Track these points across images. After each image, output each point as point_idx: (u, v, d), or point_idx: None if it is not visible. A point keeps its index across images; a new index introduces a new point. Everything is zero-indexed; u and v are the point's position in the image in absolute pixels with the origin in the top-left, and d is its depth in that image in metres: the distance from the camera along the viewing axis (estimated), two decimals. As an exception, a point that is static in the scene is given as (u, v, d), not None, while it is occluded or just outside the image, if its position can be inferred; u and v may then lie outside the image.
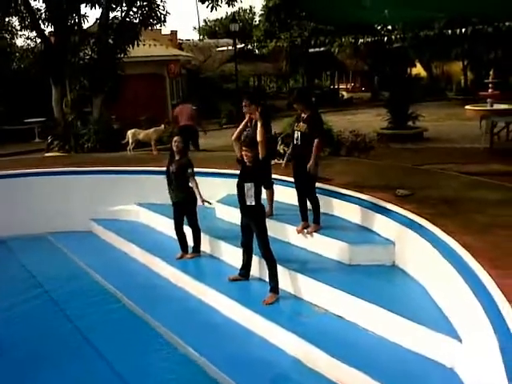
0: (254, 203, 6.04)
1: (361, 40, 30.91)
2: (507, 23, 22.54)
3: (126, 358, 5.45)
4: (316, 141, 6.64)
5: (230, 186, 6.55)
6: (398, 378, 4.43)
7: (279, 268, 6.22)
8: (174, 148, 7.31)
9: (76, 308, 6.72)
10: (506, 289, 4.05)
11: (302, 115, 6.91)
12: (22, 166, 10.65)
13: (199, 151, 13.40)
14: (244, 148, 6.13)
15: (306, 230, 7.00)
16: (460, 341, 4.54)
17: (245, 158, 6.13)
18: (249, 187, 6.03)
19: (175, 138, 7.38)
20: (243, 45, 35.46)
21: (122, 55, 17.28)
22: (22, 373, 5.40)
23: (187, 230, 7.55)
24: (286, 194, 8.13)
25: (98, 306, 6.76)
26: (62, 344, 5.87)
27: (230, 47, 31.11)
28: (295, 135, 6.89)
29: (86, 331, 6.08)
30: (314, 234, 6.91)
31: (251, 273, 6.59)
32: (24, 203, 9.67)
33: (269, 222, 7.03)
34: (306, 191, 6.98)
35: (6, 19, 21.11)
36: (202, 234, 7.60)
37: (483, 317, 4.02)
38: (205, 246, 7.64)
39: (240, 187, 6.12)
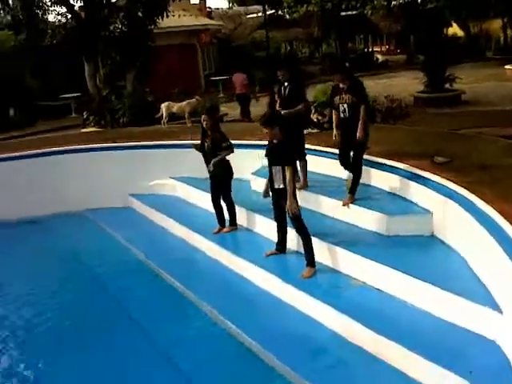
0: (282, 186, 5.94)
1: (394, 2, 30.05)
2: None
3: (166, 332, 5.59)
4: (362, 107, 6.58)
5: (263, 158, 6.53)
6: (438, 350, 4.39)
7: (315, 241, 6.20)
8: (204, 126, 7.32)
9: (117, 283, 6.91)
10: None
11: (342, 85, 6.79)
12: (60, 143, 10.80)
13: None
14: (263, 127, 5.99)
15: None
16: (501, 312, 4.47)
17: (267, 137, 6.05)
18: (277, 170, 5.93)
19: (203, 117, 7.35)
20: (273, 11, 34.93)
21: (152, 27, 17.24)
22: (69, 343, 5.59)
23: (223, 204, 7.59)
24: (320, 165, 8.07)
25: (138, 281, 6.95)
26: (104, 318, 6.04)
27: (260, 14, 30.63)
28: (341, 108, 6.79)
29: (126, 305, 6.27)
30: (351, 205, 6.84)
31: (288, 246, 6.59)
32: (62, 180, 9.83)
33: (303, 194, 7.04)
34: (353, 162, 6.88)
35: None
36: (238, 208, 7.62)
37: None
38: (241, 220, 7.66)
39: (269, 169, 6.08)
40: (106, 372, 5.00)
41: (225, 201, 7.49)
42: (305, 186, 7.57)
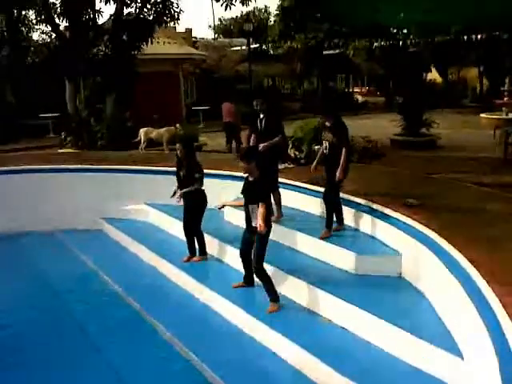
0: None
1: (376, 44, 30.81)
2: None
3: (129, 360, 5.49)
4: (344, 150, 6.78)
5: (239, 189, 6.58)
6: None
7: (284, 276, 6.29)
8: (178, 154, 7.36)
9: (81, 306, 6.80)
10: (510, 306, 4.01)
11: (327, 123, 7.05)
12: (33, 162, 10.72)
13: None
14: (241, 161, 6.03)
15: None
16: (462, 358, 4.51)
17: (243, 171, 6.09)
18: (254, 208, 5.90)
19: (177, 146, 7.44)
20: (258, 45, 35.46)
21: (136, 52, 17.35)
22: (28, 368, 5.47)
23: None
24: (295, 200, 8.13)
25: (104, 307, 6.83)
26: (69, 345, 5.90)
27: (245, 47, 31.09)
28: (324, 144, 7.08)
29: (92, 331, 6.14)
30: (322, 241, 6.90)
31: (257, 279, 6.57)
32: (34, 199, 9.73)
33: (277, 228, 7.06)
34: (331, 198, 7.06)
35: (23, 12, 21.25)
36: (210, 237, 7.64)
37: (485, 335, 3.99)
38: (212, 250, 7.66)
39: (245, 206, 6.07)
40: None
41: (194, 230, 7.48)
42: (279, 218, 7.62)
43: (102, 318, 6.47)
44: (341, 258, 6.57)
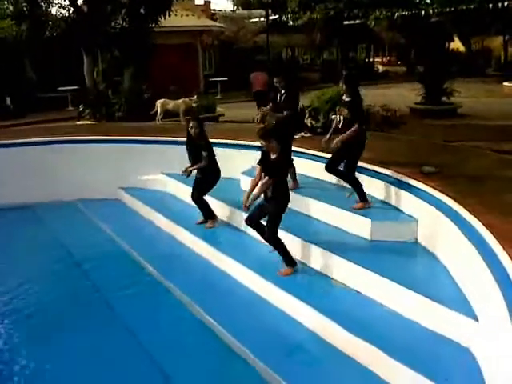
0: (271, 195, 5.95)
1: (397, 13, 30.16)
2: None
3: (145, 324, 5.59)
4: (355, 126, 6.69)
5: (254, 158, 6.57)
6: (413, 355, 4.42)
7: (300, 242, 6.33)
8: (192, 133, 7.43)
9: (101, 275, 6.89)
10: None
11: (345, 98, 7.02)
12: (52, 134, 10.82)
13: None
14: (261, 139, 6.00)
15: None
16: (477, 320, 4.51)
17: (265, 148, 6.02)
18: (270, 182, 5.90)
19: (191, 124, 7.47)
20: (277, 16, 34.99)
21: (154, 25, 17.27)
22: (48, 334, 5.56)
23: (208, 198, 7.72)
24: (311, 168, 8.11)
25: (122, 273, 6.94)
26: (86, 309, 6.03)
27: (263, 18, 30.73)
28: (337, 118, 7.06)
29: (109, 297, 6.25)
30: (338, 208, 6.89)
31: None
32: (54, 170, 9.81)
33: (292, 196, 7.07)
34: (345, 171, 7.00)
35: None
36: (226, 205, 7.77)
37: (500, 298, 3.98)
38: (228, 217, 7.73)
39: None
40: (84, 363, 4.98)
41: (196, 199, 7.61)
42: (295, 187, 7.63)
43: (119, 283, 6.56)
44: (356, 225, 6.56)
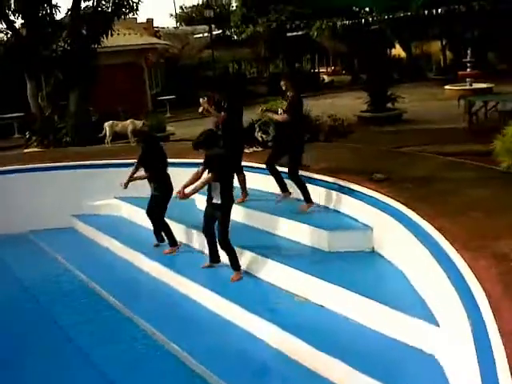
0: (220, 202, 6.17)
1: (339, 23, 30.79)
2: (481, 2, 22.64)
3: (107, 354, 5.47)
4: (285, 115, 7.17)
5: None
6: (378, 365, 4.47)
7: (258, 257, 6.39)
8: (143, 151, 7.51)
9: (59, 306, 6.73)
10: (479, 271, 4.10)
11: (288, 94, 7.27)
12: (0, 163, 10.51)
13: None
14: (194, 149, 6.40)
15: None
16: (438, 325, 4.59)
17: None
18: (215, 186, 6.15)
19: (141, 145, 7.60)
20: (221, 31, 35.17)
21: (96, 46, 17.07)
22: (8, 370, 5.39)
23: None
24: (262, 182, 8.15)
25: (80, 303, 6.79)
26: (45, 343, 5.86)
27: (207, 33, 30.82)
28: (279, 111, 7.45)
29: (68, 329, 6.09)
30: (292, 221, 6.93)
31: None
32: (3, 201, 9.55)
33: (247, 211, 7.09)
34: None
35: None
36: (178, 224, 7.73)
37: (457, 301, 4.07)
38: (182, 237, 7.69)
39: (208, 186, 6.25)
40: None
41: (157, 221, 7.56)
42: (245, 198, 7.79)
43: (78, 314, 6.43)
44: (313, 236, 6.61)
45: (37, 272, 7.97)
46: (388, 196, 6.30)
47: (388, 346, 4.76)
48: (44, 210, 9.44)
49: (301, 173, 7.53)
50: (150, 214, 7.61)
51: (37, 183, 9.77)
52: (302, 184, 7.20)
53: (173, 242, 7.50)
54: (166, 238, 7.55)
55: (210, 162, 6.25)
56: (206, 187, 6.30)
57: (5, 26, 17.44)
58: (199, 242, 7.41)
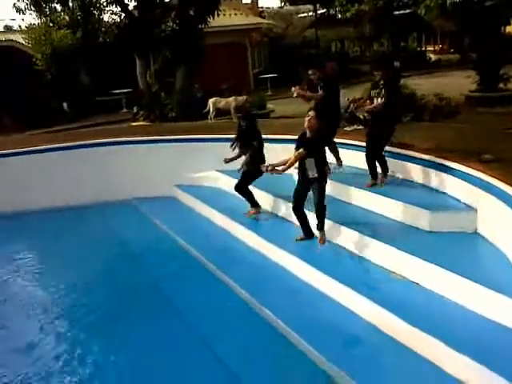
0: (317, 175, 6.28)
1: (448, 0, 29.36)
2: None
3: (206, 319, 5.68)
4: (380, 101, 7.28)
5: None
6: (476, 347, 4.33)
7: (356, 234, 6.36)
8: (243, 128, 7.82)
9: (159, 270, 7.07)
10: None
11: (381, 81, 7.37)
12: (109, 136, 11.13)
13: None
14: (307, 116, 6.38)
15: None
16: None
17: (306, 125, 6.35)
18: (310, 161, 6.25)
19: (241, 122, 7.89)
20: (325, 10, 34.70)
21: (203, 26, 17.49)
22: (113, 328, 5.76)
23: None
24: (360, 159, 8.04)
25: (180, 268, 7.08)
26: (146, 304, 6.21)
27: (312, 13, 30.55)
28: (375, 102, 7.43)
29: (168, 292, 6.41)
30: (396, 200, 6.79)
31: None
32: (112, 171, 10.14)
33: (342, 186, 7.16)
34: (373, 153, 7.37)
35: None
36: (281, 199, 7.82)
37: None
38: (279, 210, 7.84)
39: (300, 162, 6.34)
40: (147, 359, 5.08)
41: (240, 189, 7.90)
42: (340, 164, 8.01)
43: (177, 279, 6.74)
44: (414, 216, 6.46)
45: (139, 237, 8.42)
46: (496, 178, 5.99)
47: (487, 329, 4.62)
48: (148, 180, 9.95)
49: (405, 152, 7.54)
50: (238, 189, 7.96)
51: (143, 155, 10.29)
52: (384, 161, 7.38)
53: (254, 203, 7.88)
54: (248, 201, 7.91)
55: (303, 139, 6.38)
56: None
57: (119, 9, 18.34)
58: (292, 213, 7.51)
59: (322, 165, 6.37)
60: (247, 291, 6.01)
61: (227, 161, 8.01)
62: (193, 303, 6.05)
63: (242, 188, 7.92)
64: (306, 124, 6.35)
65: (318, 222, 6.43)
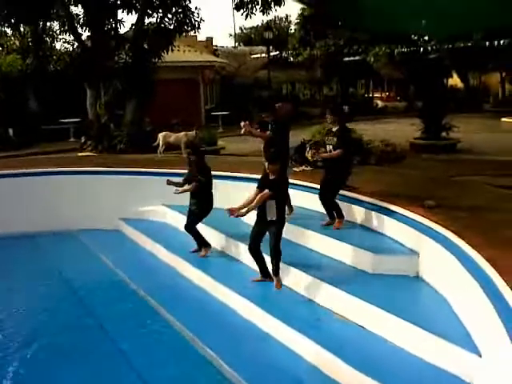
0: (275, 218, 6.27)
1: (396, 50, 30.70)
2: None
3: (145, 356, 5.51)
4: (338, 150, 7.19)
5: (252, 190, 6.67)
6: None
7: (301, 273, 6.36)
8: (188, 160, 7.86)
9: (100, 305, 6.84)
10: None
11: (333, 129, 7.43)
12: (55, 165, 10.89)
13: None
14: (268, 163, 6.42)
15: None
16: (480, 355, 4.45)
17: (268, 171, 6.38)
18: (271, 204, 6.24)
19: (192, 157, 7.78)
20: (278, 52, 35.57)
21: (157, 60, 17.55)
22: (47, 363, 5.52)
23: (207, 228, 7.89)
24: (307, 200, 8.14)
25: (121, 304, 6.86)
26: (84, 339, 5.97)
27: (265, 54, 31.21)
28: (327, 148, 7.45)
29: (108, 327, 6.19)
30: (337, 241, 6.88)
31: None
32: (55, 201, 9.89)
33: (290, 227, 7.10)
34: (328, 197, 7.38)
35: (48, 23, 21.76)
36: (225, 236, 7.82)
37: (503, 333, 3.93)
38: (229, 249, 7.74)
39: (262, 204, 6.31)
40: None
41: (188, 228, 7.75)
42: (291, 213, 7.80)
43: (117, 313, 6.54)
44: (358, 258, 6.54)
45: (81, 270, 8.13)
46: (438, 223, 6.18)
47: (427, 372, 4.66)
48: (93, 212, 9.72)
49: (351, 195, 7.64)
50: (187, 229, 7.84)
51: (88, 186, 10.11)
52: (336, 205, 7.41)
53: (204, 243, 7.73)
54: (196, 241, 7.77)
55: (267, 182, 6.35)
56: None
57: (72, 38, 18.24)
58: (242, 252, 7.48)
59: (283, 208, 6.40)
60: (189, 329, 5.87)
61: (169, 182, 7.93)
62: (132, 339, 5.86)
63: (190, 228, 7.78)
64: (268, 167, 6.38)
65: (273, 266, 6.37)
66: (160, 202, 9.75)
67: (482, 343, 4.55)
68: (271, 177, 6.37)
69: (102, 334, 6.05)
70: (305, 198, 8.18)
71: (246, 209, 6.39)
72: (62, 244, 9.22)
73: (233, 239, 7.72)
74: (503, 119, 23.43)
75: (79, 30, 17.71)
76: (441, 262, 5.84)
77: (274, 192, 6.22)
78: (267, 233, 6.41)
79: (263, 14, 17.96)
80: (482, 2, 10.16)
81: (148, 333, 6.03)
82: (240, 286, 6.56)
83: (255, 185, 7.62)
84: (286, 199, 7.75)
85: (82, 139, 16.57)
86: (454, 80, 39.13)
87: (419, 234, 6.38)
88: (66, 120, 21.47)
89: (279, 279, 6.37)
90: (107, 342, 5.86)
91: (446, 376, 4.56)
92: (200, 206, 7.65)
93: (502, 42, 25.67)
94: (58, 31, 20.05)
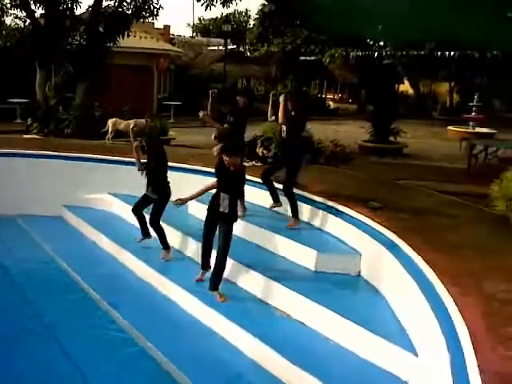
0: (227, 211, 6.00)
1: (352, 53, 31.11)
2: (494, 52, 23.00)
3: (82, 347, 5.40)
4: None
5: (203, 182, 6.60)
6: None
7: (244, 269, 6.39)
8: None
9: (38, 294, 6.61)
10: (464, 308, 4.10)
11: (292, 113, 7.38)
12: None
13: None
14: (224, 155, 6.00)
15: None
16: (416, 355, 4.57)
17: (226, 164, 5.99)
18: (225, 197, 5.98)
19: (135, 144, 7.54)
20: (235, 46, 35.48)
21: (112, 44, 17.17)
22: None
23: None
24: (259, 197, 8.13)
25: (60, 294, 6.67)
26: (21, 329, 5.78)
27: (222, 47, 31.09)
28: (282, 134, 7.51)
29: (45, 317, 6.01)
30: (284, 238, 6.92)
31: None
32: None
33: (240, 223, 7.06)
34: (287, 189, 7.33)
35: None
36: (172, 229, 7.59)
37: (439, 333, 4.06)
38: (174, 242, 7.58)
39: (216, 195, 6.12)
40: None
41: (153, 225, 7.36)
42: (243, 212, 7.65)
43: (57, 304, 6.34)
44: (301, 255, 6.60)
45: (20, 256, 7.83)
46: (381, 224, 6.31)
47: (364, 370, 4.76)
48: (36, 197, 9.39)
49: (298, 192, 7.58)
50: (135, 210, 7.53)
51: (32, 170, 9.73)
52: (294, 200, 7.32)
53: (166, 245, 7.35)
54: (159, 241, 7.36)
55: (227, 173, 6.04)
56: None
57: (24, 14, 17.55)
58: (186, 247, 7.45)
59: (235, 205, 6.16)
60: (130, 322, 5.78)
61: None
62: (72, 331, 5.70)
63: (156, 224, 7.30)
64: (229, 160, 5.94)
65: (216, 277, 6.08)
66: (106, 191, 9.53)
67: (418, 343, 4.68)
68: (231, 169, 5.99)
69: (41, 327, 5.83)
70: (252, 193, 8.14)
71: (188, 196, 6.32)
72: (3, 230, 8.80)
73: (180, 232, 7.62)
74: (449, 127, 24.15)
75: (32, 7, 17.06)
76: (382, 263, 5.97)
77: (232, 185, 6.01)
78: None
79: (223, 7, 17.83)
80: (432, 15, 10.44)
81: (87, 324, 5.87)
82: (184, 279, 6.49)
83: (203, 176, 7.68)
84: (242, 196, 7.74)
85: (29, 121, 16.02)
86: (405, 86, 40.05)
87: (362, 234, 6.50)
88: (14, 100, 20.74)
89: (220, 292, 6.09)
90: (43, 332, 5.69)
91: (383, 374, 4.67)
92: (162, 194, 7.25)
93: (452, 53, 26.42)
94: (8, 5, 19.19)
